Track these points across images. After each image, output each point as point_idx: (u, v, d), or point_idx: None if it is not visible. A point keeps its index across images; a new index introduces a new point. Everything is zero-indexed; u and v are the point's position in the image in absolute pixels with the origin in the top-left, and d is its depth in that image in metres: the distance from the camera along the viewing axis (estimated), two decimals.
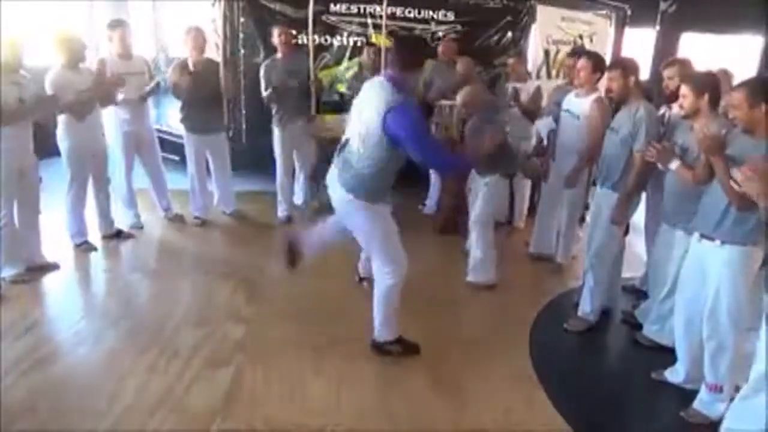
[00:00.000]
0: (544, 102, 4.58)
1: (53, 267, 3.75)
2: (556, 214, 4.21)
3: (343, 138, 2.80)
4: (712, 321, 2.49)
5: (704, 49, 7.95)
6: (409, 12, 5.22)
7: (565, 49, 5.41)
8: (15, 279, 3.50)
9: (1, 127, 3.17)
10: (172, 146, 5.35)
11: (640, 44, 7.64)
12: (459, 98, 3.73)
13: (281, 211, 4.86)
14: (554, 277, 4.10)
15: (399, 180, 2.79)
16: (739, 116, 2.30)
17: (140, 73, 4.23)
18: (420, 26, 5.28)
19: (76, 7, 6.34)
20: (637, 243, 3.95)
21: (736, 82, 2.84)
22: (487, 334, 3.30)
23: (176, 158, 5.30)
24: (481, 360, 2.99)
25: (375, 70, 4.57)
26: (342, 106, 4.66)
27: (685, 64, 3.27)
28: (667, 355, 2.91)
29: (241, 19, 5.05)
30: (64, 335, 3.08)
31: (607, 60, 4.50)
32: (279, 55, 4.52)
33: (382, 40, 4.75)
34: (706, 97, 2.63)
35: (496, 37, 5.38)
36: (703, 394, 2.57)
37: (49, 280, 3.64)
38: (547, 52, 5.62)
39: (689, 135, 2.74)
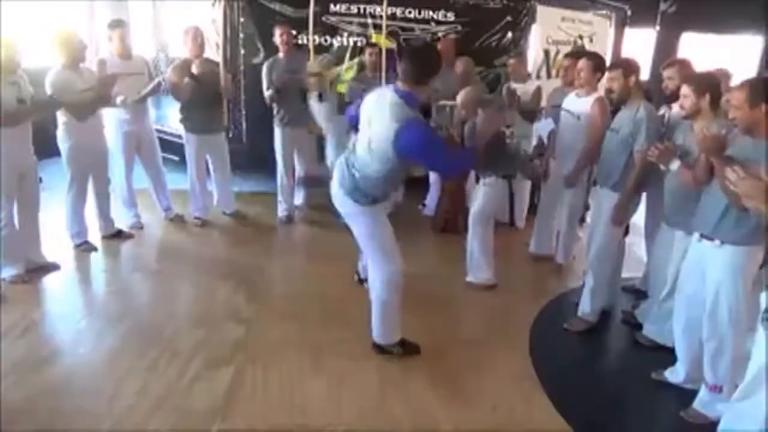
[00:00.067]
0: (543, 102, 4.58)
1: (53, 267, 3.75)
2: (556, 214, 4.22)
3: (350, 144, 2.80)
4: (711, 321, 2.49)
5: (704, 49, 7.96)
6: (409, 12, 5.22)
7: (565, 49, 5.41)
8: (15, 279, 3.50)
9: (0, 128, 3.17)
10: (172, 146, 5.35)
11: (640, 44, 7.65)
12: (459, 98, 3.73)
13: (281, 211, 4.86)
14: (554, 277, 4.10)
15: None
16: (740, 116, 2.30)
17: (140, 73, 4.23)
18: (420, 26, 5.28)
19: (76, 7, 6.34)
20: (637, 243, 3.95)
21: (735, 82, 2.84)
22: (487, 333, 3.30)
23: (176, 158, 5.30)
24: (481, 360, 2.99)
25: (377, 70, 4.59)
26: (342, 107, 4.65)
27: (685, 65, 3.27)
28: (667, 355, 2.91)
29: (241, 19, 5.05)
30: (64, 335, 3.09)
31: (608, 60, 4.51)
32: (281, 54, 4.53)
33: (382, 41, 4.76)
34: (707, 97, 2.63)
35: (496, 38, 5.38)
36: (703, 394, 2.57)
37: (49, 280, 3.64)
38: (547, 53, 5.62)
39: (689, 135, 2.74)
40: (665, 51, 7.71)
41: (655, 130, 3.04)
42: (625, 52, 6.47)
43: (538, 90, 4.77)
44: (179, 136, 4.79)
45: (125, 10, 6.30)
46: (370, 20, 5.13)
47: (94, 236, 4.20)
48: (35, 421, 2.36)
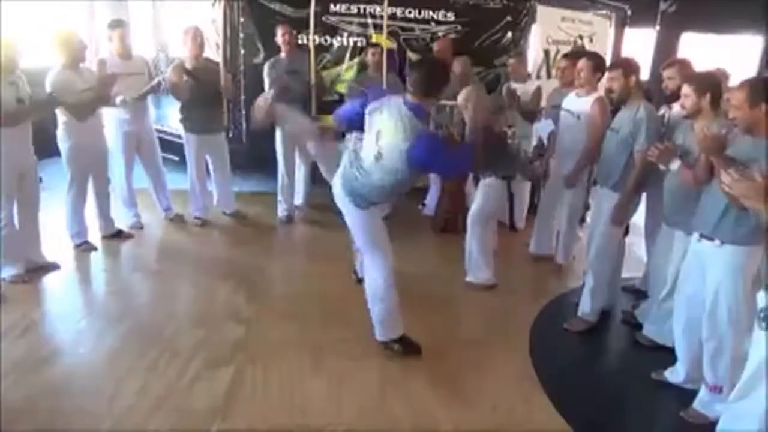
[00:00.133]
0: (543, 103, 4.58)
1: (53, 267, 3.75)
2: (556, 214, 4.22)
3: (351, 146, 2.82)
4: (711, 321, 2.49)
5: (704, 49, 7.96)
6: (409, 12, 5.22)
7: (566, 49, 5.41)
8: (15, 279, 3.50)
9: (0, 128, 3.17)
10: (172, 146, 5.35)
11: (640, 44, 7.65)
12: (460, 98, 3.73)
13: (281, 211, 4.86)
14: (554, 277, 4.10)
15: None
16: (740, 116, 2.30)
17: (140, 73, 4.23)
18: (420, 26, 5.28)
19: (76, 7, 6.34)
20: (637, 243, 3.95)
21: (735, 82, 2.84)
22: (487, 334, 3.30)
23: (176, 158, 5.30)
24: (481, 360, 2.99)
25: (380, 70, 4.58)
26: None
27: (685, 65, 3.27)
28: (667, 355, 2.91)
29: (241, 19, 5.05)
30: (64, 335, 3.09)
31: (608, 60, 4.51)
32: (282, 54, 4.53)
33: (383, 40, 4.75)
34: (708, 96, 2.64)
35: (496, 38, 5.38)
36: (703, 394, 2.57)
37: (49, 280, 3.64)
38: (547, 53, 5.62)
39: (690, 135, 2.74)
40: (665, 51, 7.71)
41: (655, 130, 3.04)
42: (625, 52, 6.46)
43: (538, 90, 4.77)
44: (179, 136, 4.79)
45: (125, 10, 6.30)
46: (370, 20, 5.12)
47: (94, 236, 4.19)
48: (35, 421, 2.36)
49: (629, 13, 6.50)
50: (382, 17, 4.80)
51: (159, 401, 2.52)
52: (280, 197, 4.84)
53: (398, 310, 2.93)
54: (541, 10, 5.44)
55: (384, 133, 2.60)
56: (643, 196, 3.36)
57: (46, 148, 3.89)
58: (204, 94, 4.31)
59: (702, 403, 2.57)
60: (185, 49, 4.34)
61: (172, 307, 3.43)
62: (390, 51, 4.80)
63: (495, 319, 3.48)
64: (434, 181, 5.07)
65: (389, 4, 4.78)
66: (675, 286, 2.85)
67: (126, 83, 3.97)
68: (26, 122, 3.40)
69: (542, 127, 4.17)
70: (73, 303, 3.47)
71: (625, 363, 3.20)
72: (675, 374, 2.83)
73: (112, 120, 4.22)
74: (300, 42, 4.81)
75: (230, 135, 4.94)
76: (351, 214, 2.84)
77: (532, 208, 4.84)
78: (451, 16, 5.28)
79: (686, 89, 2.69)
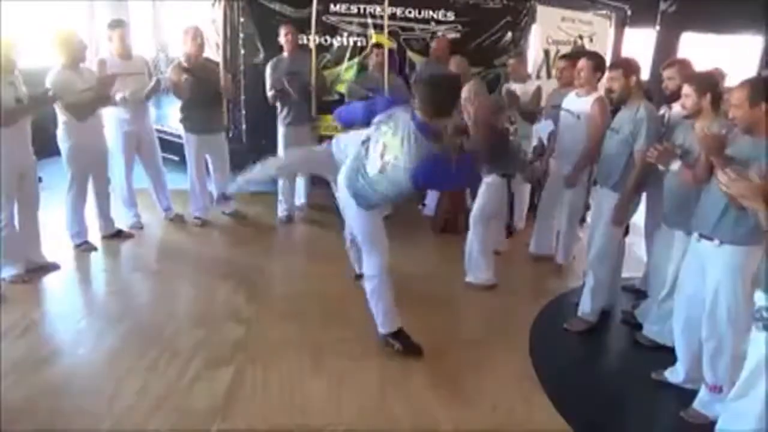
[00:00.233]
0: (543, 103, 4.58)
1: (53, 267, 3.75)
2: (556, 214, 4.22)
3: (354, 150, 2.83)
4: (711, 321, 2.49)
5: (704, 49, 7.96)
6: (409, 12, 5.22)
7: (566, 49, 5.41)
8: (15, 279, 3.50)
9: (0, 128, 3.17)
10: (172, 146, 5.35)
11: (640, 44, 7.65)
12: (463, 92, 3.72)
13: (281, 211, 4.85)
14: (554, 277, 4.10)
15: None
16: (740, 116, 2.30)
17: (140, 73, 4.23)
18: (420, 26, 5.28)
19: (76, 7, 6.34)
20: (637, 243, 3.95)
21: (734, 82, 2.84)
22: (487, 334, 3.31)
23: (176, 158, 5.30)
24: (481, 360, 2.99)
25: (381, 70, 4.58)
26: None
27: (685, 65, 3.27)
28: (667, 355, 2.91)
29: (241, 19, 5.05)
30: (64, 335, 3.09)
31: (608, 60, 4.51)
32: (285, 54, 4.53)
33: (384, 40, 4.75)
34: (708, 96, 2.64)
35: (496, 38, 5.38)
36: (703, 394, 2.57)
37: (49, 280, 3.63)
38: (547, 53, 5.62)
39: (690, 135, 2.74)
40: (665, 51, 7.71)
41: (656, 130, 3.04)
42: (625, 52, 6.46)
43: (538, 90, 4.77)
44: (179, 136, 4.79)
45: (125, 10, 6.31)
46: (370, 20, 5.12)
47: (94, 236, 4.19)
48: (35, 421, 2.36)
49: (629, 13, 6.50)
50: (382, 17, 4.80)
51: (159, 401, 2.52)
52: (280, 197, 4.83)
53: (394, 307, 2.95)
54: (541, 10, 5.44)
55: (389, 149, 2.60)
56: (643, 196, 3.36)
57: (46, 148, 3.90)
58: (204, 94, 4.32)
59: (702, 402, 2.57)
60: (185, 49, 4.34)
61: (172, 307, 3.43)
62: (390, 51, 4.80)
63: (495, 319, 3.48)
64: None
65: (389, 4, 4.77)
66: (675, 286, 2.85)
67: (126, 83, 3.97)
68: (23, 120, 3.39)
69: (542, 128, 4.17)
70: (73, 303, 3.47)
71: (625, 363, 3.20)
72: (675, 374, 2.83)
73: (112, 120, 4.22)
74: (300, 42, 4.81)
75: (230, 135, 4.93)
76: (352, 211, 2.88)
77: (532, 208, 4.84)
78: (451, 16, 5.28)
79: (687, 89, 2.70)
